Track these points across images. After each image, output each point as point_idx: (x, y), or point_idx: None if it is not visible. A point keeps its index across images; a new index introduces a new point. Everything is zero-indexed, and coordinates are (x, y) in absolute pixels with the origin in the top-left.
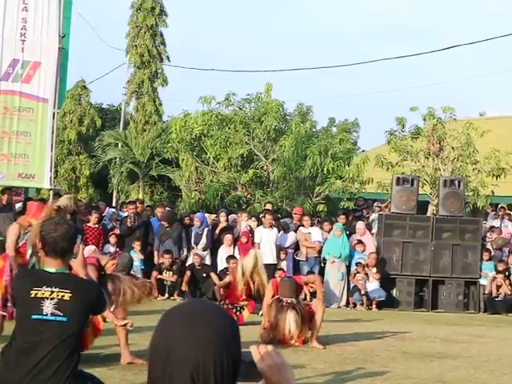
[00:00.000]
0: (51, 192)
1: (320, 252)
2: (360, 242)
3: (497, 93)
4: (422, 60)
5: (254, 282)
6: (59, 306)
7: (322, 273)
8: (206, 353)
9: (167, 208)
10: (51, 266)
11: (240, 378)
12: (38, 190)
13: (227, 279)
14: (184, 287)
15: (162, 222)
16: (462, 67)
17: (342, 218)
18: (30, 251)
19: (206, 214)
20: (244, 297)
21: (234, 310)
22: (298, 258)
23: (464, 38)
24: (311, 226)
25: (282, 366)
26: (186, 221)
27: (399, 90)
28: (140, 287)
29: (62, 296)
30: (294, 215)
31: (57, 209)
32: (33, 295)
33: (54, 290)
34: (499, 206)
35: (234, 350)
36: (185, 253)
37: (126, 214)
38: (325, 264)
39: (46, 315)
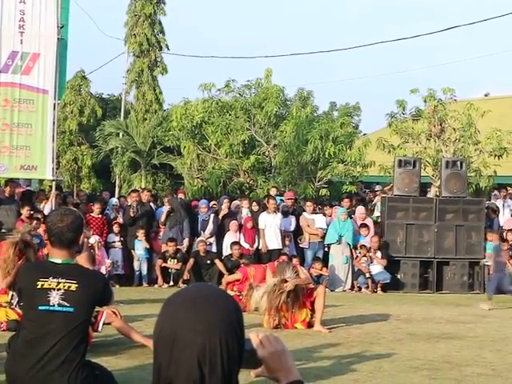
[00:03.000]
0: (54, 183)
1: (323, 237)
2: (365, 225)
3: (500, 73)
4: (423, 42)
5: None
6: (66, 297)
7: (326, 257)
8: (212, 337)
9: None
10: (57, 256)
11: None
12: (41, 182)
13: (237, 276)
14: (186, 275)
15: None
16: (464, 48)
17: (346, 202)
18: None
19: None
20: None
21: (241, 297)
22: (301, 246)
23: (465, 18)
24: (314, 212)
25: (282, 353)
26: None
27: (400, 72)
28: None
29: (69, 287)
30: (286, 201)
31: (17, 242)
32: (39, 286)
33: (60, 280)
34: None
35: (239, 333)
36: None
37: (129, 204)
38: (329, 249)
39: (53, 306)
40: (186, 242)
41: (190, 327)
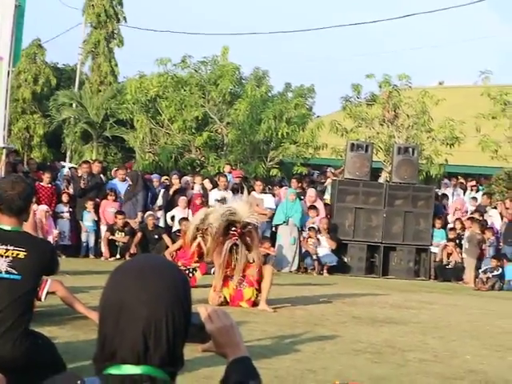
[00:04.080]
0: (4, 150)
1: (272, 217)
2: (313, 207)
3: (454, 62)
4: (380, 27)
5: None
6: (13, 264)
7: (273, 237)
8: (158, 309)
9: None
10: (6, 223)
11: (188, 339)
12: None
13: (177, 244)
14: (133, 249)
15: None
16: (420, 36)
17: (294, 183)
18: None
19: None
20: (196, 258)
21: (187, 272)
22: None
23: (422, 6)
24: (264, 192)
25: (230, 327)
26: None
27: (356, 56)
28: None
29: (17, 254)
30: (234, 179)
31: None
32: None
33: (8, 247)
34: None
35: (186, 306)
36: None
37: (80, 175)
38: (276, 229)
39: (0, 273)
40: (139, 215)
41: (136, 297)
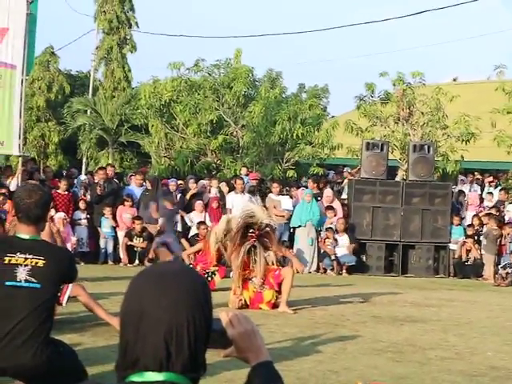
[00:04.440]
0: (20, 159)
1: (289, 219)
2: (331, 207)
3: (468, 58)
4: (393, 25)
5: (225, 249)
6: (33, 273)
7: (291, 239)
8: (179, 314)
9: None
10: (24, 232)
11: (209, 345)
12: (7, 157)
13: (197, 246)
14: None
15: (147, 188)
16: (433, 33)
17: (310, 183)
18: None
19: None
20: (215, 262)
21: (206, 276)
22: None
23: (434, 2)
24: (281, 194)
25: (252, 332)
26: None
27: (369, 55)
28: None
29: (36, 263)
30: (250, 181)
31: None
32: (6, 262)
33: (27, 256)
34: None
35: (207, 310)
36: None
37: (96, 181)
38: (294, 230)
39: (20, 282)
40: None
41: (157, 303)
